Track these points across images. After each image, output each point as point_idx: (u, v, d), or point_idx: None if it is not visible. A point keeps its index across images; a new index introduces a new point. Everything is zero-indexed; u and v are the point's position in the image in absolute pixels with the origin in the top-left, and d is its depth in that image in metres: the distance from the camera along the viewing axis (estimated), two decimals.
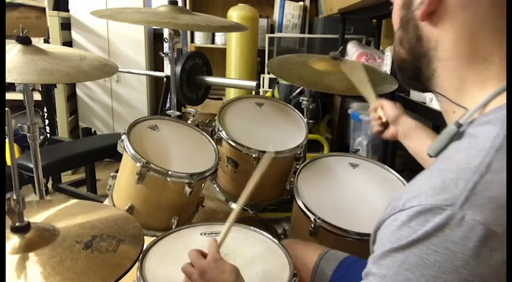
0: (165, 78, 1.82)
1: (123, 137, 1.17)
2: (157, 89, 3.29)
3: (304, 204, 1.15)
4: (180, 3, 1.58)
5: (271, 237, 1.01)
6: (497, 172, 0.44)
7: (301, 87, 1.72)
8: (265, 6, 3.49)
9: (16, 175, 0.78)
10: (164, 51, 1.57)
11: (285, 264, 0.91)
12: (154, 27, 3.15)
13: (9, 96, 2.73)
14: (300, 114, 1.50)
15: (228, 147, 1.33)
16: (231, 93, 3.18)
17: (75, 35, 2.94)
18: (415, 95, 1.62)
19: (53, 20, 2.74)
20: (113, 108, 3.09)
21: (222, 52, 3.26)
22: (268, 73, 3.07)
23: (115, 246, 0.81)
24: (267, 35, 3.15)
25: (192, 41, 3.41)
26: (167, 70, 1.64)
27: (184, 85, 1.63)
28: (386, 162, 1.41)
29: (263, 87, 3.07)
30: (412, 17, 0.56)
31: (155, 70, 2.96)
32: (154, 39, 3.25)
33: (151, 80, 3.19)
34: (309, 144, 1.75)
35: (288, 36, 3.37)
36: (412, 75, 0.61)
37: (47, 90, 2.73)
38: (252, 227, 1.04)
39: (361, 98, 1.15)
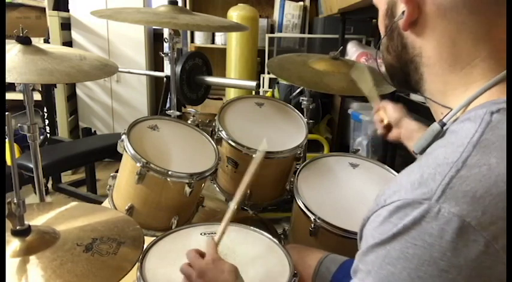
0: (165, 78, 1.82)
1: (123, 137, 1.17)
2: (157, 89, 3.29)
3: (304, 204, 1.15)
4: (180, 3, 1.58)
5: (271, 237, 1.01)
6: (472, 167, 0.45)
7: (301, 87, 1.72)
8: (265, 6, 3.48)
9: (16, 175, 0.78)
10: (164, 51, 1.57)
11: (285, 264, 0.91)
12: (154, 27, 3.16)
13: (9, 96, 2.73)
14: (300, 114, 1.50)
15: (228, 147, 1.33)
16: (231, 93, 3.18)
17: (75, 35, 2.94)
18: (415, 95, 1.62)
19: (53, 20, 2.74)
20: (113, 108, 3.09)
21: (222, 52, 3.26)
22: (268, 73, 3.07)
23: (115, 249, 0.81)
24: (267, 35, 3.15)
25: (192, 41, 3.40)
26: (167, 70, 1.64)
27: (184, 85, 1.63)
28: (386, 162, 1.41)
29: (263, 87, 3.07)
30: (396, 26, 0.57)
31: (155, 70, 2.96)
32: (154, 39, 3.25)
33: (151, 80, 3.19)
34: (309, 144, 1.75)
35: (288, 36, 3.37)
36: (401, 80, 0.63)
37: (47, 90, 2.73)
38: (252, 227, 1.04)
39: (361, 98, 1.15)
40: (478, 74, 0.52)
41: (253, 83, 1.65)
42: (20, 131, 1.20)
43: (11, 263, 0.75)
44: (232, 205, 0.85)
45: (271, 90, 2.91)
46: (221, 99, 3.31)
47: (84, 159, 2.28)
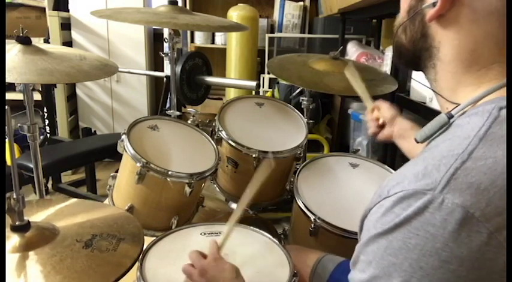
0: (165, 78, 1.82)
1: (123, 137, 1.17)
2: (157, 89, 3.29)
3: (304, 204, 1.15)
4: (180, 3, 1.58)
5: (271, 237, 1.01)
6: (478, 159, 0.44)
7: (301, 87, 1.72)
8: (265, 6, 3.49)
9: (16, 175, 0.78)
10: (164, 51, 1.57)
11: (285, 264, 0.91)
12: (154, 27, 3.15)
13: (9, 96, 2.73)
14: (300, 114, 1.50)
15: (228, 147, 1.33)
16: (231, 93, 3.18)
17: (75, 35, 2.94)
18: (415, 95, 1.62)
19: (53, 20, 2.74)
20: (113, 108, 3.09)
21: (222, 52, 3.26)
22: (268, 73, 3.07)
23: (115, 245, 0.81)
24: (267, 35, 3.15)
25: (192, 41, 3.41)
26: (167, 70, 1.64)
27: (184, 85, 1.63)
28: (386, 162, 1.41)
29: (263, 87, 3.07)
30: (421, 12, 0.56)
31: (155, 70, 2.96)
32: (154, 39, 3.25)
33: (151, 80, 3.19)
34: (309, 144, 1.75)
35: (288, 36, 3.37)
36: (409, 61, 0.62)
37: (47, 90, 2.73)
38: (252, 227, 1.04)
39: (361, 98, 1.15)
40: (493, 75, 0.52)
41: (253, 83, 1.65)
42: (20, 131, 1.20)
43: (11, 259, 0.75)
44: (238, 211, 0.85)
45: (271, 90, 2.91)
46: (221, 99, 3.31)
47: (84, 159, 2.28)
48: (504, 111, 0.48)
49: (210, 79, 1.73)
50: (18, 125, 1.18)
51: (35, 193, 1.43)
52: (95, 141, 2.46)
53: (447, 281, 0.42)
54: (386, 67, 1.94)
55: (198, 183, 1.17)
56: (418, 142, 0.56)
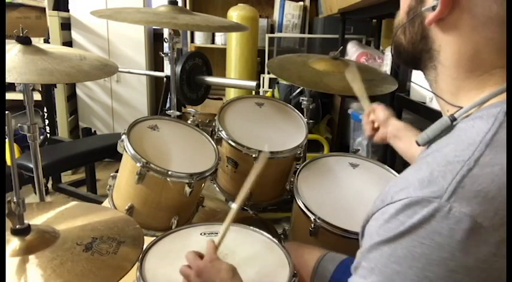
0: (165, 78, 1.82)
1: (123, 137, 1.17)
2: (157, 89, 3.29)
3: (304, 204, 1.15)
4: (180, 3, 1.58)
5: (271, 237, 1.01)
6: (485, 166, 0.44)
7: (301, 87, 1.72)
8: (265, 6, 3.49)
9: (16, 175, 0.78)
10: (164, 51, 1.57)
11: (285, 264, 0.91)
12: (154, 27, 3.15)
13: (9, 96, 2.74)
14: (300, 114, 1.50)
15: (228, 147, 1.33)
16: (231, 93, 3.18)
17: (75, 35, 2.94)
18: (415, 95, 1.62)
19: (53, 20, 2.74)
20: (113, 108, 3.09)
21: (222, 52, 3.26)
22: (268, 73, 3.07)
23: (115, 248, 0.81)
24: (267, 35, 3.15)
25: (192, 41, 3.41)
26: (167, 70, 1.64)
27: (184, 85, 1.63)
28: (386, 162, 1.41)
29: (263, 87, 3.07)
30: (421, 15, 0.55)
31: (155, 70, 2.96)
32: (154, 39, 3.25)
33: (151, 80, 3.19)
34: (309, 144, 1.75)
35: (288, 36, 3.37)
36: (409, 61, 0.61)
37: (47, 90, 2.73)
38: (252, 227, 1.04)
39: None
40: (495, 79, 0.51)
41: (253, 83, 1.65)
42: (20, 131, 1.20)
43: (11, 262, 0.75)
44: (233, 210, 0.85)
45: (271, 90, 2.91)
46: (221, 99, 3.31)
47: (84, 159, 2.27)
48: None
49: (210, 79, 1.73)
50: (18, 125, 1.18)
51: (35, 193, 1.43)
52: (95, 141, 2.46)
53: None
54: (386, 67, 1.94)
55: (198, 183, 1.17)
56: (419, 145, 0.55)
